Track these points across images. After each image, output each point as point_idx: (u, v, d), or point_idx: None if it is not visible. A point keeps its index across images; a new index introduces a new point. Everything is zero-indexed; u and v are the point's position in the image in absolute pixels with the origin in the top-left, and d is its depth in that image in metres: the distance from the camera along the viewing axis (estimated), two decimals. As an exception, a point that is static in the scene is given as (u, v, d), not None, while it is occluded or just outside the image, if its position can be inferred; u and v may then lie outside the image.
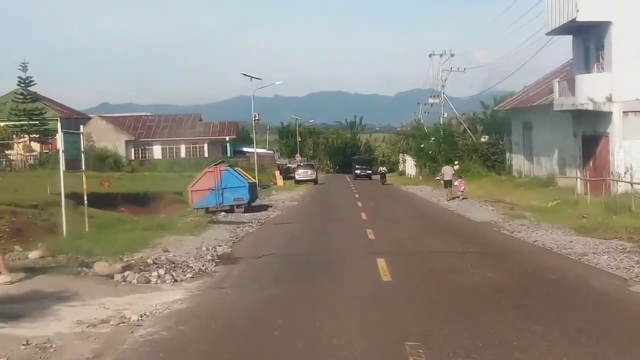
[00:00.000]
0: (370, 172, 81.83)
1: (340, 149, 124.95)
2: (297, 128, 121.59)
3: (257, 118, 57.97)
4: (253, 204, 35.88)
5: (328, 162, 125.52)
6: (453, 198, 39.13)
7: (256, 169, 60.46)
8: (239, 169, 37.27)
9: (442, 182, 42.21)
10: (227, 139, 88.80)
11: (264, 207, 35.56)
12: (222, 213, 31.88)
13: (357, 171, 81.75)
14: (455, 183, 40.06)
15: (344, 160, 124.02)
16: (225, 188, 32.82)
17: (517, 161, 50.13)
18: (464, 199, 38.51)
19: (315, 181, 69.57)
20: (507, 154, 52.99)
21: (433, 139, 65.80)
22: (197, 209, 32.37)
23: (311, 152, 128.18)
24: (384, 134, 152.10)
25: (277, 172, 67.99)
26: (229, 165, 41.94)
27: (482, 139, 70.26)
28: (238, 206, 32.77)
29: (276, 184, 66.59)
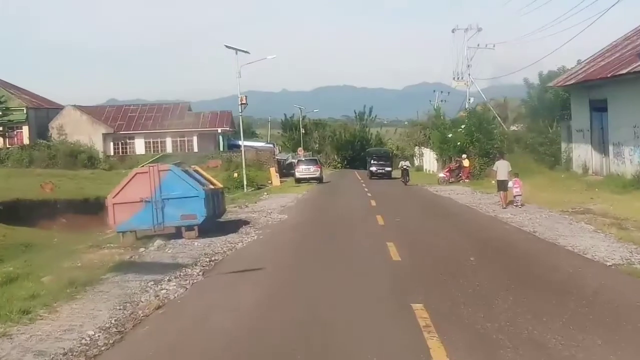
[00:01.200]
0: (390, 169, 62.40)
1: (349, 142, 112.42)
2: (301, 119, 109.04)
3: (244, 102, 45.54)
4: (220, 220, 23.60)
5: (335, 156, 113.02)
6: (508, 204, 27.04)
7: (244, 165, 48.21)
8: (197, 169, 24.29)
9: (493, 182, 30.13)
10: (219, 130, 76.51)
11: (235, 226, 23.04)
12: (157, 241, 19.40)
13: (373, 168, 62.28)
14: (510, 184, 27.79)
15: (352, 155, 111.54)
16: (167, 199, 20.17)
17: (580, 153, 37.56)
18: (521, 206, 26.46)
19: (319, 179, 57.29)
20: (564, 145, 40.43)
21: (463, 126, 53.29)
22: (122, 232, 20.04)
23: (317, 145, 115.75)
24: (393, 128, 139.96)
25: (273, 170, 55.46)
26: (178, 163, 29.84)
27: (513, 128, 57.85)
28: (188, 228, 20.44)
29: (272, 184, 54.24)
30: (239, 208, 31.32)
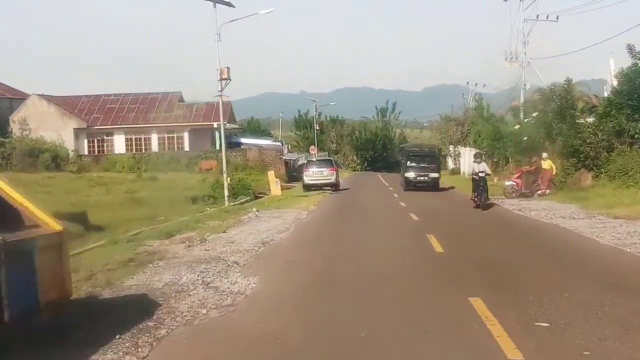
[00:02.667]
0: (437, 175, 41.29)
1: (369, 141, 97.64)
2: (316, 115, 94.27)
3: (225, 76, 30.66)
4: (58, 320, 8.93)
5: (354, 157, 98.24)
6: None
7: (224, 165, 34.09)
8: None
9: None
10: (215, 125, 61.92)
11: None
12: None
13: (411, 174, 40.77)
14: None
15: (373, 155, 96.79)
16: None
17: None
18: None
19: (334, 186, 42.76)
20: None
21: (535, 115, 38.44)
22: None
23: (334, 145, 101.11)
24: (412, 129, 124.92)
25: (272, 174, 40.37)
26: None
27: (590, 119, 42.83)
28: None
29: (271, 194, 39.61)
30: (185, 247, 16.66)
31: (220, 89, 30.53)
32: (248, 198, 41.15)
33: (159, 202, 35.84)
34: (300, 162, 66.76)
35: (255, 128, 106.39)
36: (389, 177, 65.73)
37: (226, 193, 31.54)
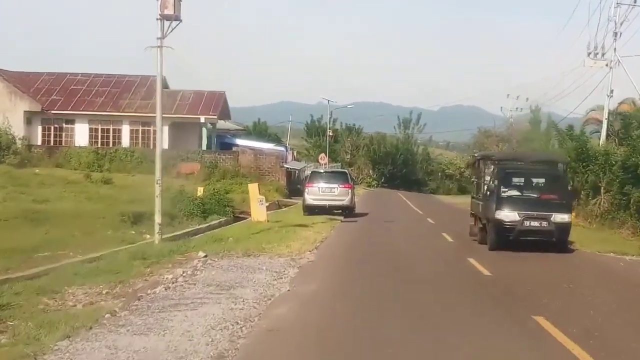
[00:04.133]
0: (566, 218, 18.44)
1: (388, 154, 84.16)
2: (330, 119, 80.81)
3: (171, 12, 17.34)
4: None
5: (370, 171, 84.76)
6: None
7: (157, 167, 20.17)
8: None
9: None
10: (203, 119, 48.70)
11: None
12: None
13: (511, 213, 18.37)
14: None
15: (392, 171, 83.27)
16: None
17: None
18: None
19: (348, 209, 29.57)
20: None
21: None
22: None
23: (348, 156, 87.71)
24: (434, 147, 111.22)
25: (254, 188, 25.88)
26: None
27: None
28: None
29: (252, 219, 25.62)
30: None
31: (160, 34, 16.98)
32: (221, 220, 27.93)
33: (75, 219, 22.90)
34: (307, 173, 53.51)
35: (262, 131, 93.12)
36: (414, 198, 52.24)
37: (157, 218, 17.81)
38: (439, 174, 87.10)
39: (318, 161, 53.45)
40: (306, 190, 29.97)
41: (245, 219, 30.03)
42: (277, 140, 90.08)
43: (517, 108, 65.04)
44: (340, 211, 29.51)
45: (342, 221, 27.17)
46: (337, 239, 20.76)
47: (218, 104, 49.32)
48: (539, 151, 44.90)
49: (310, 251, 17.03)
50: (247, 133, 75.49)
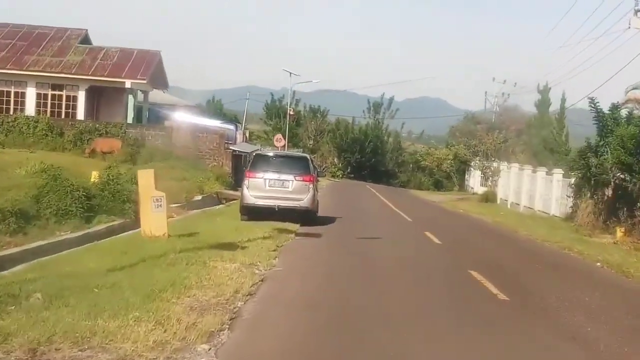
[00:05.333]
0: None
1: (356, 141, 74.17)
2: (291, 94, 70.28)
3: None
4: None
5: (336, 160, 74.75)
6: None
7: None
8: None
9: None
10: (129, 84, 38.14)
11: None
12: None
13: None
14: None
15: (360, 160, 73.29)
16: None
17: None
18: None
19: (307, 214, 19.66)
20: None
21: None
22: None
23: (311, 142, 77.59)
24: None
25: (146, 178, 15.40)
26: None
27: None
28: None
29: (142, 231, 15.21)
30: None
31: None
32: (113, 223, 17.93)
33: None
34: (259, 154, 43.44)
35: (217, 111, 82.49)
36: (390, 194, 42.44)
37: None
38: (411, 165, 77.39)
39: (275, 141, 43.26)
40: (246, 182, 19.76)
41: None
42: (235, 121, 79.41)
43: (503, 94, 55.84)
44: (297, 214, 19.56)
45: (296, 235, 17.14)
46: (283, 286, 10.70)
47: (149, 66, 38.75)
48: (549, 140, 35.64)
49: (207, 342, 7.03)
50: (200, 112, 64.82)
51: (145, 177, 14.18)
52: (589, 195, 26.22)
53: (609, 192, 25.18)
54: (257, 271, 11.40)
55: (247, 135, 48.04)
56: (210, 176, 34.14)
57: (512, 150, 41.81)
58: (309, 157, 21.08)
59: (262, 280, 10.69)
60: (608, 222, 24.26)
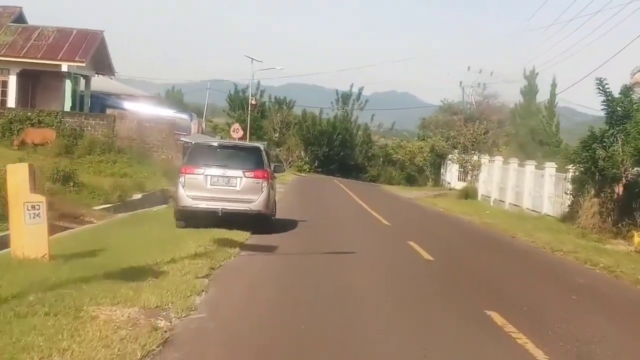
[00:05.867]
0: None
1: (324, 134, 69.96)
2: (253, 82, 65.87)
3: None
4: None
5: (302, 153, 70.56)
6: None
7: None
8: None
9: None
10: (66, 67, 33.49)
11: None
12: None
13: None
14: None
15: (328, 154, 69.11)
16: None
17: None
18: None
19: (261, 219, 15.45)
20: None
21: None
22: None
23: (277, 134, 73.33)
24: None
25: (17, 172, 11.57)
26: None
27: None
28: None
29: (13, 252, 10.92)
30: None
31: None
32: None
33: None
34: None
35: (177, 100, 77.76)
36: (360, 190, 38.30)
37: None
38: (381, 159, 73.34)
39: (232, 132, 38.75)
40: (181, 179, 15.43)
41: (73, 228, 15.83)
42: (196, 114, 74.44)
43: (479, 84, 51.95)
44: (246, 220, 15.36)
45: (242, 248, 12.87)
46: (197, 356, 6.51)
47: (89, 47, 34.07)
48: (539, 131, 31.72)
49: None
50: (158, 103, 60.07)
51: (18, 175, 9.76)
52: (593, 192, 22.37)
53: (619, 189, 21.35)
54: (161, 324, 7.13)
55: (204, 126, 43.34)
56: (156, 171, 29.76)
57: (494, 142, 38.03)
58: (262, 148, 16.75)
59: (162, 345, 6.44)
60: (620, 225, 20.45)
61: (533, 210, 28.93)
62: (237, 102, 76.19)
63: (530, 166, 30.59)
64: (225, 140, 25.88)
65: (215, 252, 11.97)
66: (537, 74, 38.63)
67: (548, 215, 27.03)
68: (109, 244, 11.99)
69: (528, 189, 30.21)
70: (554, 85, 34.51)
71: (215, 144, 17.64)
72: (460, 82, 55.77)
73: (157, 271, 9.82)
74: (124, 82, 56.75)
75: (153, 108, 37.91)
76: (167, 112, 38.80)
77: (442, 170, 49.51)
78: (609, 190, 21.54)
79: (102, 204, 20.76)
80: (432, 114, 58.30)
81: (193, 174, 15.32)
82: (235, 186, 15.27)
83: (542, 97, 37.33)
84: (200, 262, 10.79)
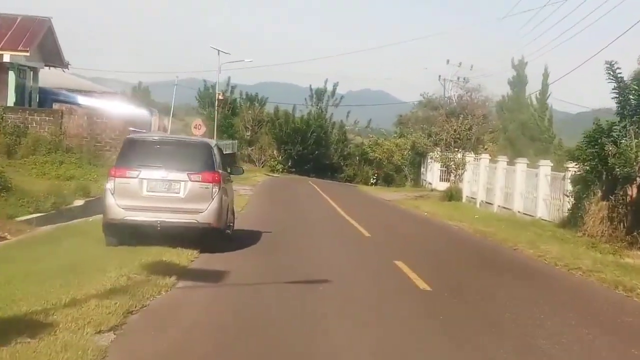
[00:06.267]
0: None
1: (298, 131, 66.94)
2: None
3: None
4: None
5: (275, 152, 67.48)
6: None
7: None
8: None
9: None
10: (8, 57, 29.99)
11: None
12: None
13: None
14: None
15: (302, 153, 66.12)
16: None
17: None
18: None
19: (211, 233, 12.28)
20: None
21: None
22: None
23: (248, 133, 70.16)
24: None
25: None
26: None
27: None
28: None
29: None
30: None
31: None
32: None
33: None
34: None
35: (144, 97, 74.15)
36: (332, 190, 35.27)
37: None
38: (357, 158, 70.38)
39: (195, 129, 35.31)
40: (109, 185, 12.21)
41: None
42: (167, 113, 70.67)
43: (459, 78, 49.02)
44: (193, 234, 12.25)
45: (179, 278, 9.70)
46: None
47: (35, 36, 30.55)
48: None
49: None
50: (122, 100, 56.33)
51: None
52: (600, 194, 19.49)
53: (632, 190, 18.46)
54: None
55: (169, 123, 39.79)
56: (105, 174, 26.41)
57: (479, 139, 35.13)
58: (212, 145, 13.56)
59: None
60: (636, 233, 17.59)
61: (525, 214, 26.08)
62: (207, 99, 72.84)
63: (521, 164, 27.72)
64: (167, 136, 22.45)
65: (141, 284, 8.86)
66: (527, 63, 35.71)
67: (543, 219, 24.17)
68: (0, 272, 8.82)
69: (519, 190, 27.31)
70: (545, 75, 31.63)
71: (153, 138, 14.35)
72: (439, 76, 52.97)
73: (41, 323, 6.70)
74: (95, 81, 53.08)
75: (110, 104, 34.45)
76: (125, 108, 35.35)
77: (422, 169, 46.53)
78: (621, 192, 18.63)
79: (31, 213, 17.48)
80: (411, 110, 55.30)
81: (125, 177, 12.11)
82: (179, 192, 12.11)
83: (532, 88, 34.61)
84: (114, 302, 7.68)
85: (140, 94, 74.49)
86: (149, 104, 72.81)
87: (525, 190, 26.87)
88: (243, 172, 14.81)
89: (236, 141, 63.74)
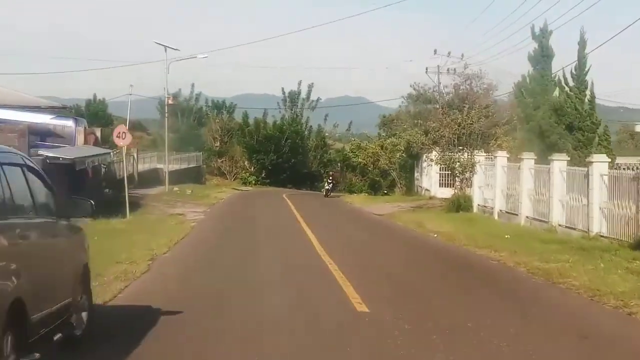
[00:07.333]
0: None
1: (271, 139, 59.38)
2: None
3: None
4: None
5: (246, 163, 59.87)
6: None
7: None
8: None
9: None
10: None
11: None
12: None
13: None
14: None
15: (277, 162, 58.56)
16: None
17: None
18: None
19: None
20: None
21: None
22: None
23: (217, 144, 62.58)
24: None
25: None
26: None
27: None
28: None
29: None
30: None
31: None
32: None
33: None
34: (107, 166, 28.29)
35: (99, 112, 66.36)
36: (310, 206, 27.76)
37: None
38: (339, 164, 62.89)
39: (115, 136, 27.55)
40: None
41: None
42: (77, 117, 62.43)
43: (448, 70, 41.67)
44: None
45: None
46: None
47: None
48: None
49: None
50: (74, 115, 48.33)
51: None
52: None
53: None
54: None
55: (99, 135, 32.09)
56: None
57: (488, 134, 27.90)
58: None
59: None
60: None
61: (569, 227, 18.82)
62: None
63: (559, 162, 20.37)
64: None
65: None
66: (551, 32, 27.74)
67: (602, 236, 16.95)
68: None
69: (558, 196, 19.97)
70: (582, 42, 23.94)
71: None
72: (427, 69, 45.54)
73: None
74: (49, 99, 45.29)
75: (16, 113, 26.62)
76: (44, 118, 27.54)
77: (415, 173, 39.13)
78: None
79: None
80: (399, 105, 47.84)
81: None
82: None
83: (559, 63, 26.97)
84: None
85: (95, 108, 66.64)
86: (103, 117, 65.36)
87: (569, 197, 19.58)
88: (91, 211, 7.13)
89: (200, 153, 56.23)
